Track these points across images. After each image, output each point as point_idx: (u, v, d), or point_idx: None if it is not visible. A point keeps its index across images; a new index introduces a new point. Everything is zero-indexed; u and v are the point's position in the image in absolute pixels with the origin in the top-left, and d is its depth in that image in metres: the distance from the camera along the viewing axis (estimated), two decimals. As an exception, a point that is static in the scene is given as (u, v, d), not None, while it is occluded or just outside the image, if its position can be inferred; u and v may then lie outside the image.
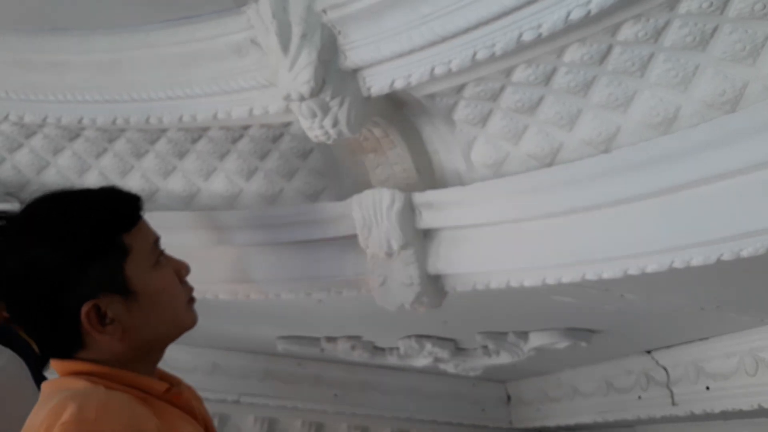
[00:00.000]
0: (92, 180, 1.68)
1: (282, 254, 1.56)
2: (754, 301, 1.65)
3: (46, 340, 1.09)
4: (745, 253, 1.15)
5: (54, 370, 1.07)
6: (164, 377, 1.16)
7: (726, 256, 1.17)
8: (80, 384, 1.00)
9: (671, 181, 1.16)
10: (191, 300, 1.20)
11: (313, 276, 1.56)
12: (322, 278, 1.56)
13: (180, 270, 1.18)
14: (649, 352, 2.20)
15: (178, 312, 1.15)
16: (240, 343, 2.53)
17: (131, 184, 1.69)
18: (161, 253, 1.15)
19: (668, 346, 2.14)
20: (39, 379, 1.25)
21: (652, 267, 1.24)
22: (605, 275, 1.31)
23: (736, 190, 1.11)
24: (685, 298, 1.62)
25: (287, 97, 1.20)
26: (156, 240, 1.15)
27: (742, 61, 1.10)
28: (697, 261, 1.20)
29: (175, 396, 1.08)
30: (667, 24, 1.08)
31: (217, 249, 1.58)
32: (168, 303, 1.13)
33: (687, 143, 1.14)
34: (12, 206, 1.15)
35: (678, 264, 1.21)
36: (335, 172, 1.56)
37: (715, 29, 1.08)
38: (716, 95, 1.14)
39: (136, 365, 1.07)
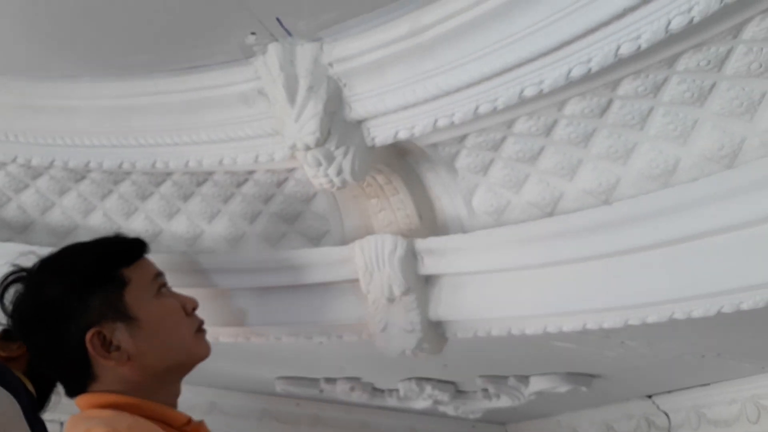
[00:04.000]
0: (96, 220, 1.70)
1: (283, 298, 1.56)
2: (755, 350, 1.65)
3: (62, 374, 1.19)
4: (745, 306, 1.16)
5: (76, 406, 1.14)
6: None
7: (726, 309, 1.18)
8: (106, 413, 1.08)
9: (671, 233, 1.18)
10: (201, 331, 1.26)
11: (313, 320, 1.56)
12: (322, 322, 1.57)
13: (186, 303, 1.25)
14: (650, 396, 2.19)
15: (185, 340, 1.21)
16: (238, 382, 2.52)
17: (135, 225, 1.70)
18: (163, 284, 1.23)
19: (669, 391, 2.14)
20: (32, 421, 1.25)
21: (652, 318, 1.25)
22: (606, 325, 1.31)
23: (735, 244, 1.13)
24: (685, 345, 1.63)
25: (293, 147, 1.22)
26: (157, 274, 1.23)
27: (740, 117, 1.12)
28: (697, 313, 1.21)
29: (194, 429, 1.14)
30: (666, 80, 1.11)
31: (219, 292, 1.58)
32: (172, 330, 1.19)
33: (686, 197, 1.15)
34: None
35: (679, 315, 1.22)
36: (338, 217, 1.57)
37: (713, 86, 1.11)
38: (715, 149, 1.16)
39: (156, 396, 1.14)
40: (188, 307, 1.25)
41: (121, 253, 1.20)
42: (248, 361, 2.15)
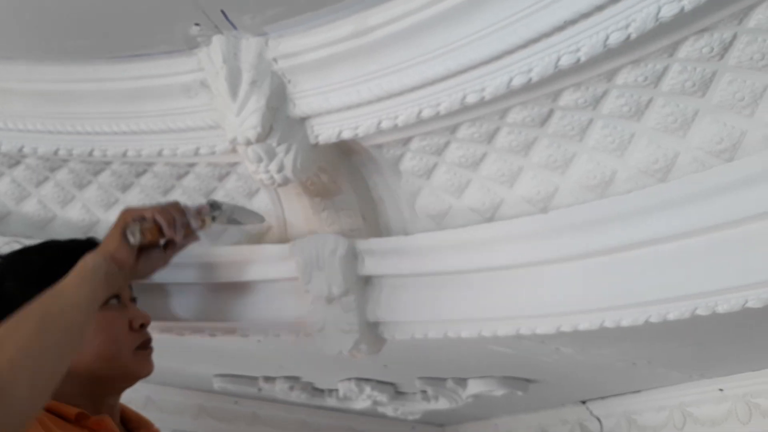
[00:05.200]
0: (30, 208, 1.64)
1: (220, 294, 1.54)
2: (683, 359, 1.70)
3: None
4: (671, 317, 1.19)
5: None
6: (129, 417, 1.30)
7: (653, 319, 1.21)
8: None
9: (604, 243, 1.21)
10: (144, 348, 1.27)
11: (250, 318, 1.54)
12: (260, 321, 1.55)
13: (134, 318, 1.26)
14: (584, 402, 2.24)
15: (121, 356, 1.22)
16: (175, 378, 2.47)
17: (71, 214, 1.65)
18: (114, 296, 1.23)
19: (602, 397, 2.19)
20: None
21: (584, 325, 1.28)
22: (539, 330, 1.34)
23: (663, 256, 1.16)
24: (617, 353, 1.67)
25: (233, 141, 1.20)
26: None
27: (674, 133, 1.16)
28: (626, 322, 1.24)
29: (94, 424, 1.13)
30: (605, 93, 1.14)
31: (154, 285, 1.54)
32: (107, 344, 1.20)
33: (620, 208, 1.18)
34: None
35: (609, 324, 1.25)
36: (281, 214, 1.56)
37: (649, 101, 1.14)
38: (650, 163, 1.20)
39: (76, 398, 1.14)
40: (135, 323, 1.26)
41: (76, 256, 1.16)
42: (185, 357, 2.11)
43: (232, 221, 1.44)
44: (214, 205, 1.38)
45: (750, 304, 1.12)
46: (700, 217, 1.11)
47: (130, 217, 1.23)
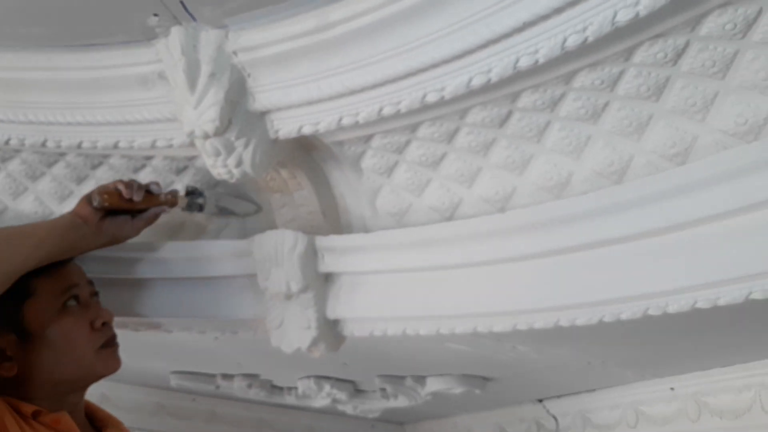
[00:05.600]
0: (-21, 199, 1.60)
1: (177, 289, 1.51)
2: (635, 359, 1.74)
3: None
4: (624, 317, 1.21)
5: None
6: (96, 415, 1.31)
7: (607, 318, 1.23)
8: None
9: (560, 243, 1.22)
10: (109, 346, 1.28)
11: (207, 314, 1.52)
12: (217, 317, 1.53)
13: (96, 318, 1.26)
14: (540, 400, 2.27)
15: (84, 358, 1.22)
16: (132, 375, 2.42)
17: (24, 206, 1.61)
18: (72, 297, 1.23)
19: (559, 396, 2.22)
20: None
21: (539, 324, 1.29)
22: (496, 328, 1.35)
23: (617, 257, 1.18)
24: (573, 352, 1.69)
25: (191, 134, 1.18)
26: (69, 286, 1.23)
27: (629, 137, 1.18)
28: (581, 321, 1.26)
29: (52, 421, 1.14)
30: (562, 96, 1.15)
31: (110, 279, 1.51)
32: (67, 349, 1.20)
33: (576, 209, 1.20)
34: None
35: (563, 323, 1.27)
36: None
37: (605, 105, 1.15)
38: (605, 165, 1.22)
39: (37, 398, 1.16)
40: (97, 322, 1.26)
41: None
42: (142, 353, 2.07)
43: (224, 211, 1.44)
44: (194, 192, 1.38)
45: (699, 305, 1.14)
46: (652, 219, 1.13)
47: (96, 190, 1.31)
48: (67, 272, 1.25)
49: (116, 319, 1.54)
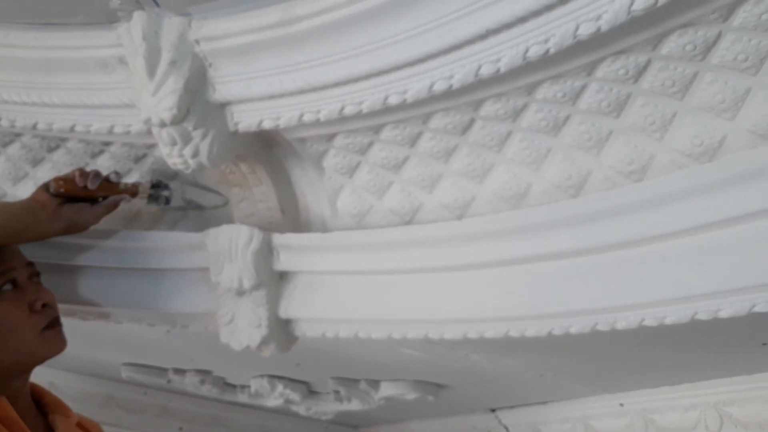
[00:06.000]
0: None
1: (127, 279, 1.49)
2: (586, 373, 1.75)
3: None
4: (573, 331, 1.22)
5: None
6: (44, 399, 1.31)
7: (556, 331, 1.23)
8: None
9: (514, 254, 1.22)
10: (51, 327, 1.27)
11: (158, 306, 1.49)
12: (167, 310, 1.50)
13: (36, 300, 1.25)
14: (493, 410, 2.27)
15: (26, 342, 1.21)
16: (81, 364, 2.38)
17: (-25, 186, 1.57)
18: (8, 282, 1.23)
19: (511, 407, 2.23)
20: None
21: (489, 333, 1.29)
22: (446, 336, 1.34)
23: (569, 270, 1.18)
24: (525, 363, 1.70)
25: (147, 121, 1.16)
26: (4, 271, 1.23)
27: (588, 151, 1.19)
28: (530, 332, 1.26)
29: None
30: (524, 107, 1.15)
31: (59, 266, 1.48)
32: (7, 334, 1.19)
33: (531, 221, 1.20)
34: None
35: (513, 333, 1.27)
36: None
37: (567, 118, 1.16)
38: (563, 178, 1.22)
39: None
40: (36, 304, 1.25)
41: None
42: (92, 343, 2.03)
43: (191, 203, 1.42)
44: (159, 184, 1.37)
45: (646, 323, 1.15)
46: (605, 234, 1.14)
47: (54, 177, 1.31)
48: (4, 256, 1.22)
49: (63, 307, 1.52)
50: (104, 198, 1.34)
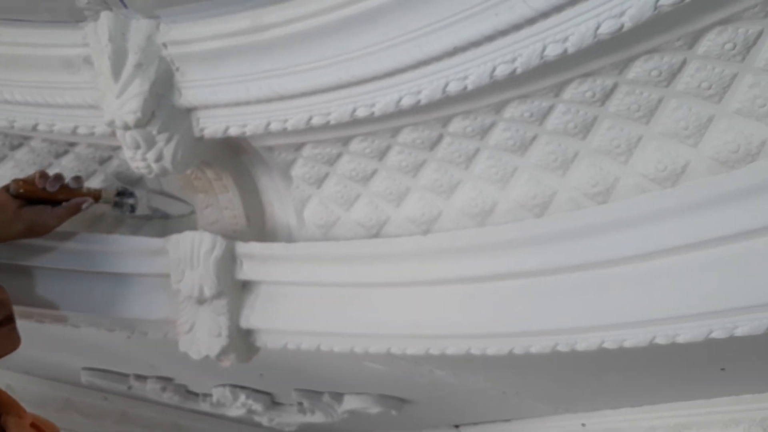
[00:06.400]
0: None
1: (86, 283, 1.45)
2: (549, 392, 1.75)
3: None
4: (533, 350, 1.21)
5: None
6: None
7: (517, 351, 1.23)
8: None
9: (476, 271, 1.22)
10: (3, 324, 1.24)
11: (116, 312, 1.46)
12: (126, 315, 1.47)
13: None
14: (457, 426, 2.26)
15: None
16: (40, 367, 2.33)
17: (-67, 182, 1.53)
18: None
19: (475, 423, 2.22)
20: None
21: (451, 350, 1.28)
22: (409, 351, 1.33)
23: (530, 290, 1.18)
24: (488, 380, 1.69)
25: (111, 124, 1.14)
26: None
27: (554, 172, 1.19)
28: (491, 351, 1.25)
29: None
30: (492, 125, 1.15)
31: (15, 267, 1.45)
32: None
33: (495, 239, 1.20)
34: None
35: (474, 351, 1.26)
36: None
37: (534, 138, 1.16)
38: (529, 197, 1.22)
39: None
40: None
41: None
42: (51, 346, 1.99)
43: (157, 212, 1.41)
44: (124, 192, 1.37)
45: (606, 345, 1.15)
46: (568, 255, 1.14)
47: (14, 179, 1.30)
48: None
49: (20, 309, 1.48)
50: (66, 201, 1.31)
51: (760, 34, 0.90)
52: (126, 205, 1.39)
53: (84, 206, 1.34)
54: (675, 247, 1.05)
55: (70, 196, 1.32)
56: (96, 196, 1.36)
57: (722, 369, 1.42)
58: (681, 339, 1.09)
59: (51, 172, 1.47)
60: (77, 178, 1.34)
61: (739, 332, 1.05)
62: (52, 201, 1.32)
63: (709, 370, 1.43)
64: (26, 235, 1.32)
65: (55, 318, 1.52)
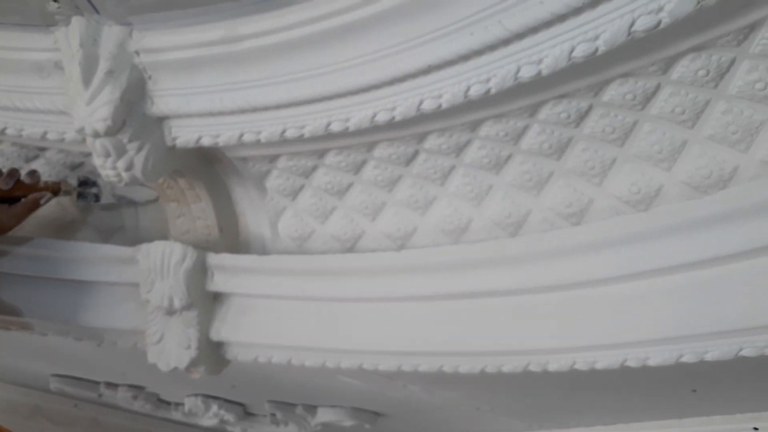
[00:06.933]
0: None
1: (53, 291, 1.43)
2: (522, 409, 1.74)
3: None
4: (505, 369, 1.21)
5: None
6: None
7: (489, 369, 1.22)
8: None
9: (449, 289, 1.21)
10: None
11: (85, 321, 1.44)
12: (95, 325, 1.45)
13: None
14: (431, 441, 2.24)
15: None
16: (7, 373, 2.28)
17: None
18: None
19: (449, 438, 2.20)
20: None
21: (423, 367, 1.27)
22: (381, 367, 1.32)
23: (504, 309, 1.17)
24: (462, 396, 1.68)
25: (81, 131, 1.12)
26: None
27: (529, 191, 1.18)
28: (463, 369, 1.24)
29: None
30: (468, 143, 1.15)
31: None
32: None
33: (470, 257, 1.19)
34: None
35: (446, 369, 1.25)
36: (134, 215, 1.48)
37: (508, 157, 1.16)
38: (503, 216, 1.21)
39: None
40: None
41: None
42: (20, 352, 1.95)
43: (122, 199, 1.37)
44: (86, 182, 1.33)
45: (577, 366, 1.15)
46: (540, 275, 1.13)
47: None
48: None
49: (-16, 315, 1.45)
50: (24, 197, 1.28)
51: (732, 62, 0.90)
52: (89, 194, 1.36)
53: (42, 201, 1.30)
54: (647, 271, 1.05)
55: (27, 193, 1.29)
56: (55, 189, 1.32)
57: (693, 390, 1.42)
58: (652, 362, 1.09)
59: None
60: (32, 173, 1.29)
61: (709, 357, 1.05)
62: (9, 199, 1.28)
63: (680, 391, 1.43)
64: None
65: (21, 325, 1.49)
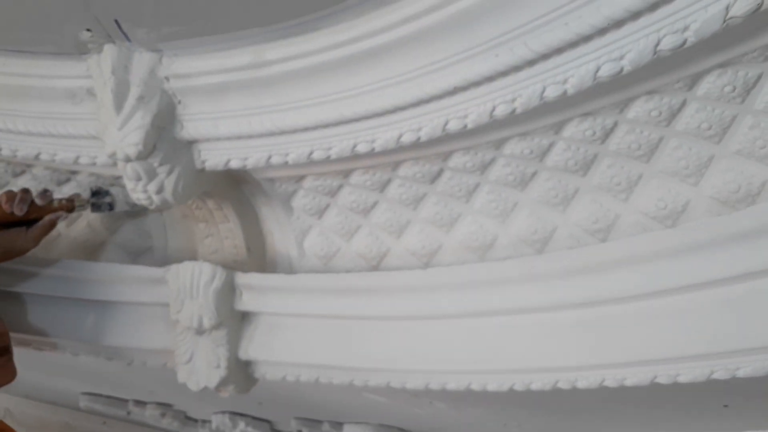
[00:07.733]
0: None
1: (86, 311, 1.45)
2: (549, 426, 1.73)
3: None
4: (534, 387, 1.20)
5: None
6: None
7: (517, 387, 1.22)
8: None
9: (477, 306, 1.21)
10: (1, 356, 1.23)
11: (117, 341, 1.46)
12: (126, 345, 1.47)
13: None
14: (458, 457, 2.23)
15: None
16: (39, 392, 2.32)
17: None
18: None
19: (476, 454, 2.19)
20: None
21: (451, 385, 1.27)
22: (408, 385, 1.32)
23: (532, 326, 1.17)
24: (490, 413, 1.67)
25: (113, 155, 1.14)
26: None
27: (554, 207, 1.19)
28: (492, 387, 1.24)
29: None
30: (493, 160, 1.15)
31: (14, 294, 1.44)
32: None
33: (497, 274, 1.19)
34: None
35: (475, 386, 1.25)
36: (163, 235, 1.50)
37: (534, 174, 1.16)
38: (529, 233, 1.22)
39: None
40: None
41: None
42: (51, 371, 1.98)
43: (137, 206, 1.38)
44: (99, 192, 1.34)
45: (607, 383, 1.14)
46: (568, 292, 1.13)
47: None
48: None
49: (18, 336, 1.48)
50: (41, 218, 1.29)
51: (759, 77, 0.90)
52: (103, 204, 1.36)
53: (59, 221, 1.31)
54: (676, 288, 1.04)
55: (43, 214, 1.29)
56: (69, 207, 1.32)
57: (725, 406, 1.40)
58: (682, 379, 1.08)
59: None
60: (44, 193, 1.29)
61: (741, 373, 1.04)
62: (27, 220, 1.29)
63: (711, 406, 1.41)
64: (3, 259, 1.29)
65: (53, 346, 1.52)
